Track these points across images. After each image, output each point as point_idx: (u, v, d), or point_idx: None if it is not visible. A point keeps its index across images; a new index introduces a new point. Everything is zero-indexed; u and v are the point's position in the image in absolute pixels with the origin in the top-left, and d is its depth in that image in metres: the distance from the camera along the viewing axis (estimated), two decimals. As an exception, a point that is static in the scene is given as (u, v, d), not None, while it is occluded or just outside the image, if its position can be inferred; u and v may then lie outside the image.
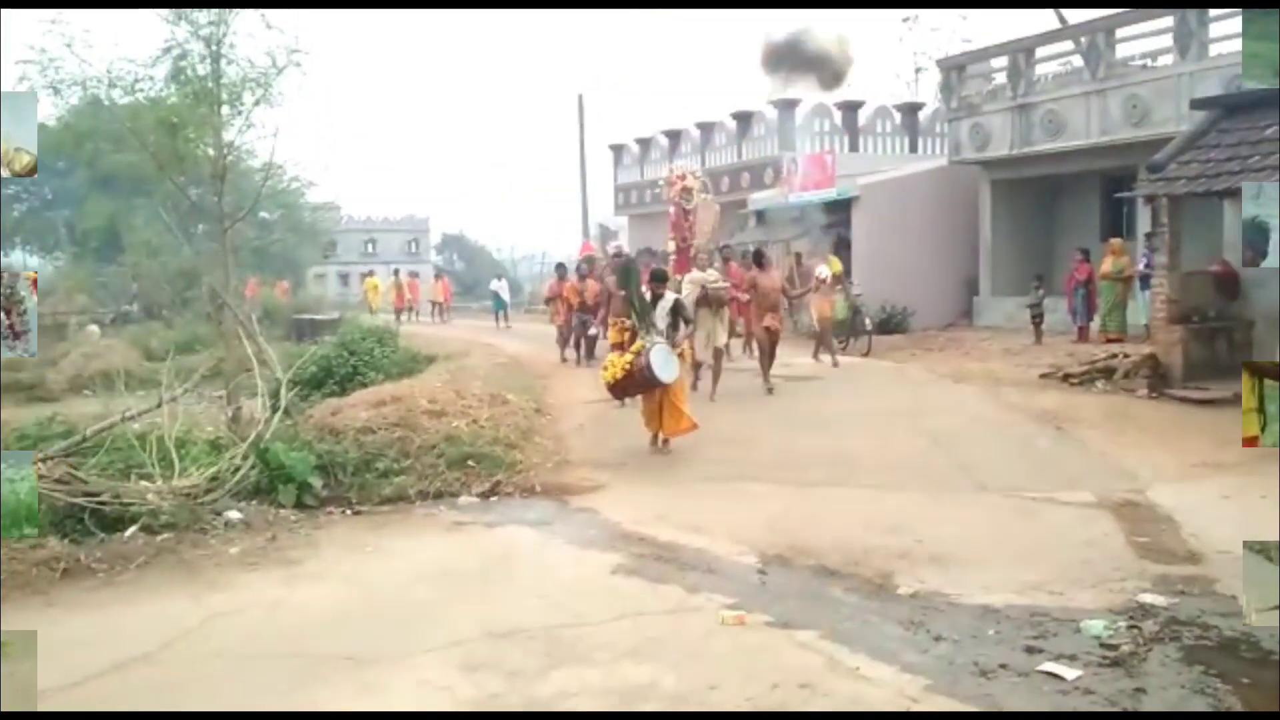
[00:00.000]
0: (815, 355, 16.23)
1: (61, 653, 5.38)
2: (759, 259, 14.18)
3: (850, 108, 27.25)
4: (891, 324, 19.97)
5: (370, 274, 40.62)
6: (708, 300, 12.58)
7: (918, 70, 37.93)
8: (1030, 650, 5.10)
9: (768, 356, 13.41)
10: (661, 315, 10.27)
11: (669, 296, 10.51)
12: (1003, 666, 4.89)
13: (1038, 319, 17.94)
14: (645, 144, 33.77)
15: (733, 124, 29.32)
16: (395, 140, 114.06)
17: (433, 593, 6.33)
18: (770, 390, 13.05)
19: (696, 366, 12.88)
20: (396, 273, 37.46)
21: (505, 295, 29.79)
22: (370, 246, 66.12)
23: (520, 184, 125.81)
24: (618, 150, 35.50)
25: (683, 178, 17.11)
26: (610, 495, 8.68)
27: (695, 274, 13.05)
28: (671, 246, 16.85)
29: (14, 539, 6.95)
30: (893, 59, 62.05)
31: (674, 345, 10.12)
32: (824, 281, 16.34)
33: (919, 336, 19.71)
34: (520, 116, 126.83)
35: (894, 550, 6.80)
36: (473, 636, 5.47)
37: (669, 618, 5.77)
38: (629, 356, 9.96)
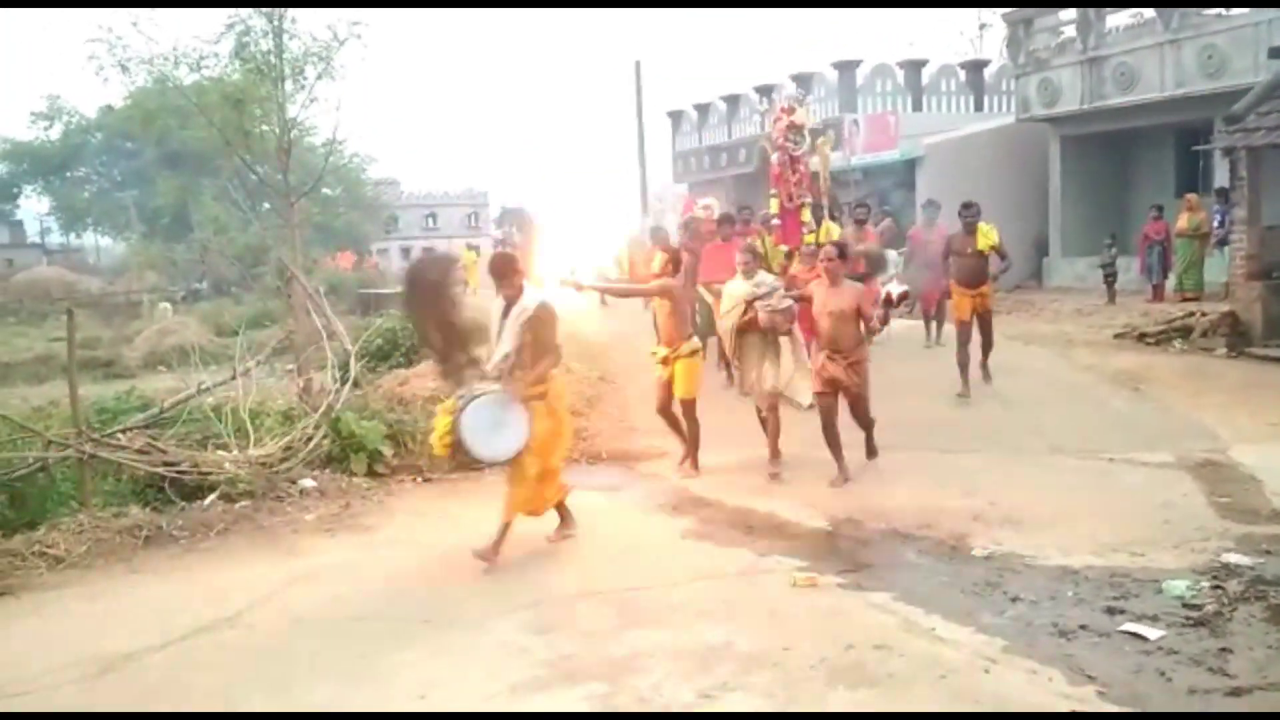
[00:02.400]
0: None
1: (149, 617, 5.55)
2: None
3: (913, 67, 26.71)
4: (958, 286, 19.62)
5: (473, 247, 36.63)
6: (756, 325, 7.94)
7: (982, 26, 37.18)
8: (1111, 611, 5.01)
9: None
10: (511, 334, 6.25)
11: (528, 300, 6.30)
12: (1083, 627, 4.81)
13: (1110, 278, 17.52)
14: (703, 110, 33.47)
15: (792, 86, 28.91)
16: (452, 112, 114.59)
17: (505, 558, 6.39)
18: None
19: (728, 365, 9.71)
20: (500, 245, 32.72)
21: None
22: (431, 221, 66.64)
23: (578, 154, 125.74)
24: (676, 117, 35.23)
25: (790, 110, 12.46)
26: (677, 461, 8.69)
27: (737, 284, 8.10)
28: (774, 207, 12.38)
29: (99, 507, 7.23)
30: (956, 16, 60.87)
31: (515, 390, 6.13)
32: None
33: (986, 298, 19.32)
34: (577, 85, 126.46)
35: (967, 512, 6.71)
36: (545, 599, 5.52)
37: (740, 580, 5.77)
38: (445, 418, 6.18)
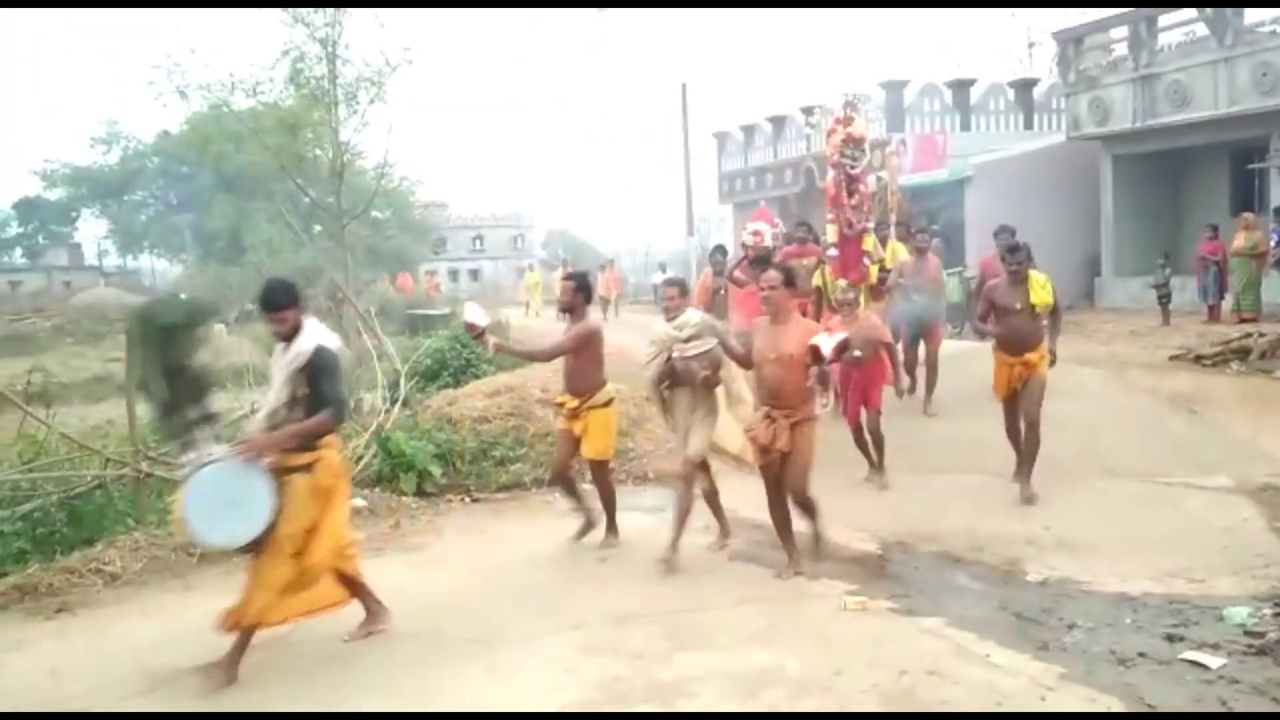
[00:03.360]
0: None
1: (203, 633, 5.59)
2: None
3: (961, 86, 26.56)
4: (1008, 307, 19.40)
5: (531, 268, 36.30)
6: (677, 376, 6.52)
7: (1031, 45, 36.87)
8: (1170, 638, 4.90)
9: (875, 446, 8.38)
10: (281, 385, 5.00)
11: (304, 342, 4.97)
12: (1142, 655, 4.71)
13: (1164, 299, 17.23)
14: (749, 131, 33.50)
15: (861, 117, 28.87)
16: (500, 134, 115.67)
17: (552, 578, 6.40)
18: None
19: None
20: (565, 263, 31.49)
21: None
22: (478, 243, 67.26)
23: (623, 176, 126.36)
24: (721, 138, 35.29)
25: (848, 120, 10.72)
26: (724, 482, 8.61)
27: (661, 329, 6.67)
28: (831, 235, 10.68)
29: (154, 525, 7.34)
30: (1004, 35, 60.39)
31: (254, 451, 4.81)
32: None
33: (1037, 319, 19.08)
34: (622, 108, 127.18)
35: (1020, 536, 6.62)
36: (594, 621, 5.51)
37: (790, 603, 5.72)
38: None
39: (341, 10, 11.31)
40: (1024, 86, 27.42)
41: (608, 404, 7.00)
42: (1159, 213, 20.46)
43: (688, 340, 6.43)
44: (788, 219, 13.71)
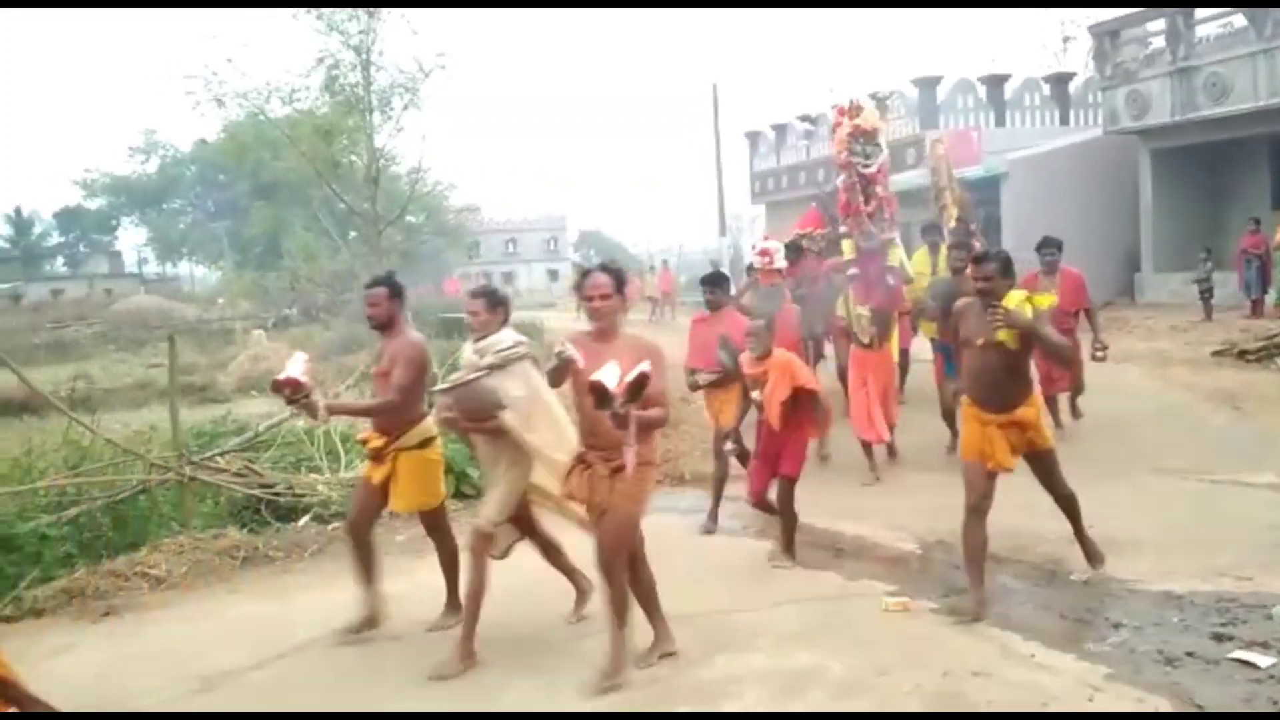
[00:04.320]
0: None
1: (248, 636, 5.67)
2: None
3: (995, 82, 26.33)
4: (1045, 304, 19.19)
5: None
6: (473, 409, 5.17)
7: (1066, 39, 36.50)
8: (1219, 638, 4.83)
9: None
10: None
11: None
12: (1189, 654, 4.65)
13: (1206, 294, 16.99)
14: (781, 130, 33.40)
15: (871, 104, 28.73)
16: (531, 137, 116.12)
17: (591, 578, 6.39)
18: None
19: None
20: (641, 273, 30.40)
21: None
22: (511, 246, 67.57)
23: (655, 176, 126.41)
24: (753, 138, 35.22)
25: (854, 111, 9.10)
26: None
27: (466, 349, 5.49)
28: (848, 251, 9.03)
29: (198, 529, 7.44)
30: (1039, 29, 59.95)
31: None
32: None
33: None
34: (653, 109, 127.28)
35: (1064, 536, 6.50)
36: (634, 621, 5.50)
37: (830, 604, 5.70)
38: None
39: (375, 17, 11.46)
40: (1059, 81, 27.14)
41: (424, 445, 5.58)
42: (1199, 206, 20.18)
43: (490, 369, 5.01)
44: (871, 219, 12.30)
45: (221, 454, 8.30)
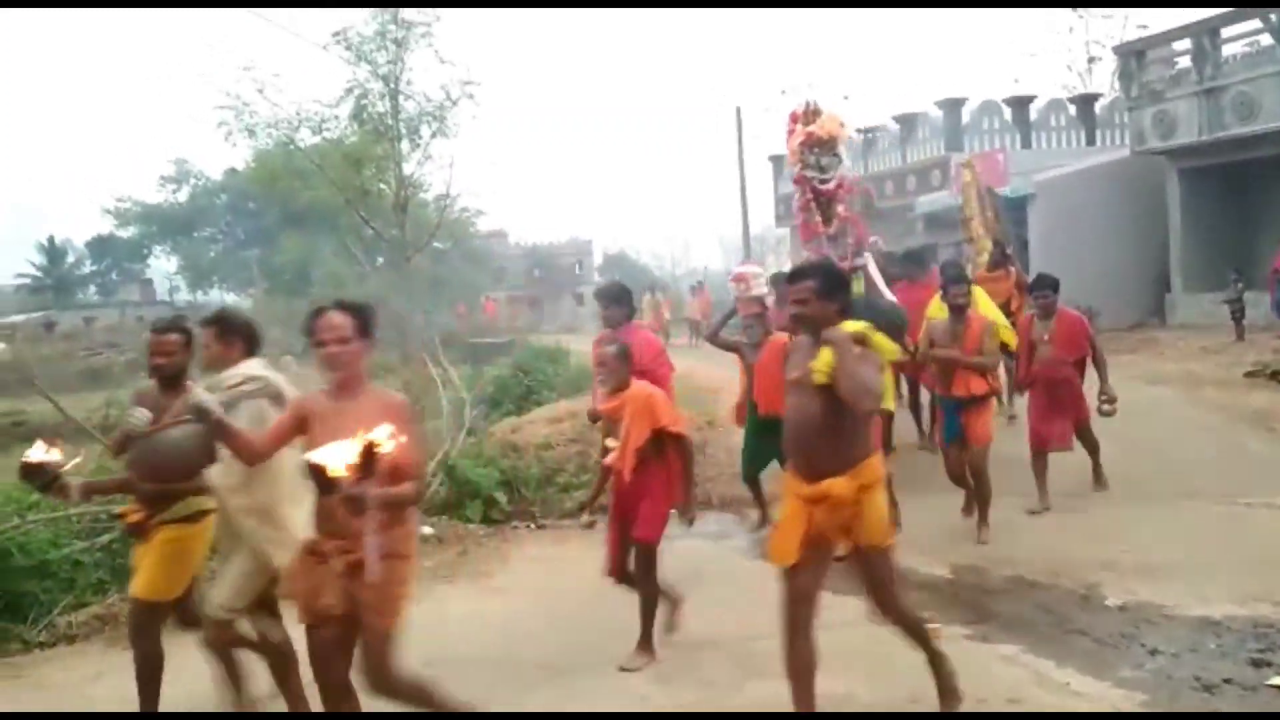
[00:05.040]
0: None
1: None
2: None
3: (1020, 103, 26.27)
4: (1074, 326, 19.04)
5: (651, 291, 32.30)
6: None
7: (1091, 59, 36.35)
8: (1256, 664, 4.77)
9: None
10: None
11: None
12: (1227, 681, 4.59)
13: (1238, 314, 16.80)
14: (805, 154, 33.39)
15: (895, 127, 28.72)
16: (556, 161, 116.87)
17: (620, 605, 6.37)
18: None
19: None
20: (652, 291, 30.32)
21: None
22: (537, 270, 67.80)
23: (679, 200, 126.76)
24: (777, 161, 35.27)
25: (810, 116, 7.74)
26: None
27: (198, 390, 4.17)
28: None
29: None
30: (1062, 50, 59.74)
31: None
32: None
33: (1106, 338, 18.57)
34: (676, 132, 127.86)
35: (1098, 560, 6.48)
36: (664, 648, 5.49)
37: (859, 630, 5.62)
38: None
39: (404, 47, 11.63)
40: (1085, 101, 27.05)
41: (190, 519, 4.53)
42: (1229, 226, 20.00)
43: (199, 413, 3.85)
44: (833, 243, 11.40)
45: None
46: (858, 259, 7.51)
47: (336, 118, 12.51)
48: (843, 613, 5.88)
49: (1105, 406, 8.03)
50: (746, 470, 7.81)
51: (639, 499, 5.20)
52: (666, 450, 5.20)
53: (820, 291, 4.04)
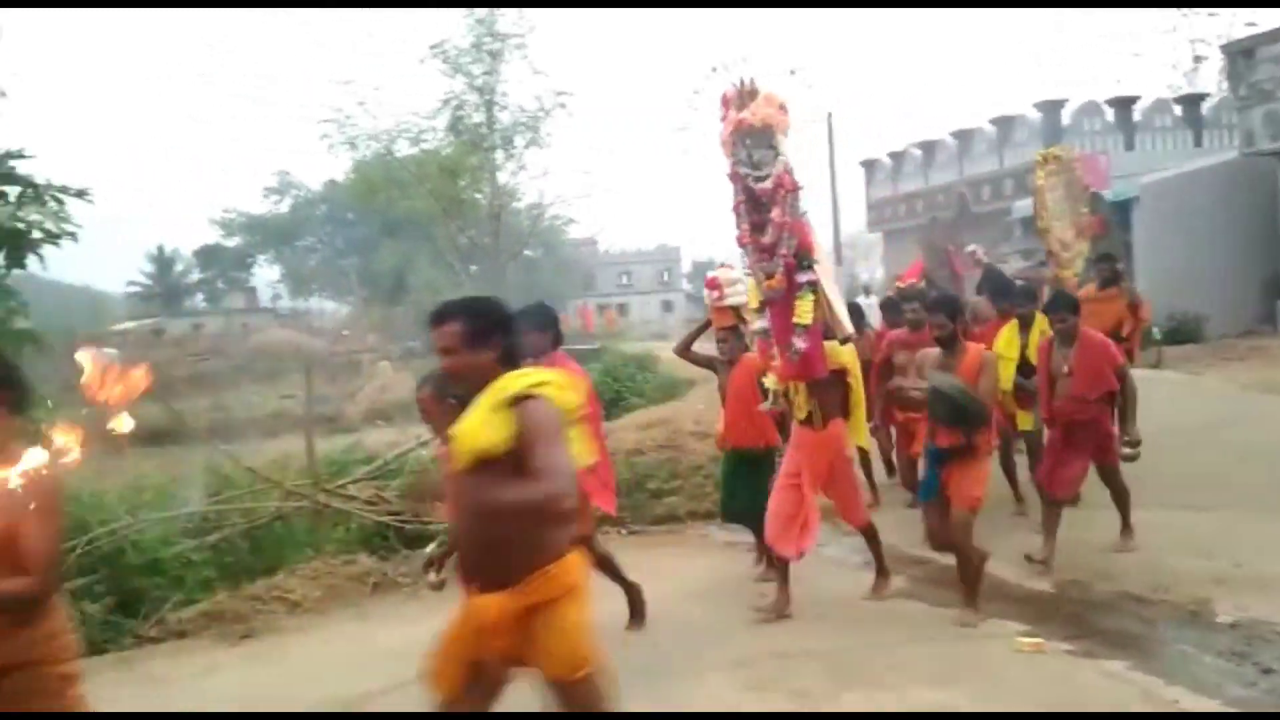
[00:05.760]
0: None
1: (379, 660, 5.81)
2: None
3: (1122, 104, 25.56)
4: (1181, 333, 18.45)
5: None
6: None
7: (1196, 59, 35.13)
8: (1378, 686, 4.55)
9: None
10: None
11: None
12: (1348, 703, 4.39)
13: (1355, 321, 16.06)
14: (898, 158, 33.02)
15: (992, 130, 28.17)
16: (647, 168, 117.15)
17: (712, 612, 6.38)
18: None
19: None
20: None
21: None
22: (625, 278, 68.14)
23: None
24: (869, 166, 34.91)
25: (741, 100, 5.71)
26: (881, 518, 8.44)
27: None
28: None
29: (331, 555, 7.68)
30: (1167, 49, 57.72)
31: None
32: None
33: (1214, 345, 18.08)
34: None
35: (1208, 575, 6.24)
36: (757, 656, 5.47)
37: (958, 642, 5.55)
38: None
39: (498, 59, 11.82)
40: (1191, 102, 26.19)
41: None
42: (1347, 229, 19.18)
43: None
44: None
45: (353, 481, 8.56)
46: (801, 275, 5.80)
47: (434, 129, 12.81)
48: (942, 625, 5.81)
49: (1127, 450, 6.80)
50: (725, 509, 7.24)
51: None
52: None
53: (468, 337, 3.13)
